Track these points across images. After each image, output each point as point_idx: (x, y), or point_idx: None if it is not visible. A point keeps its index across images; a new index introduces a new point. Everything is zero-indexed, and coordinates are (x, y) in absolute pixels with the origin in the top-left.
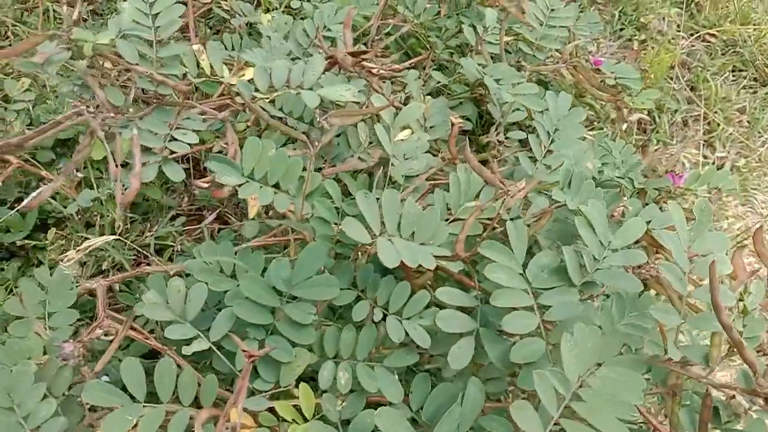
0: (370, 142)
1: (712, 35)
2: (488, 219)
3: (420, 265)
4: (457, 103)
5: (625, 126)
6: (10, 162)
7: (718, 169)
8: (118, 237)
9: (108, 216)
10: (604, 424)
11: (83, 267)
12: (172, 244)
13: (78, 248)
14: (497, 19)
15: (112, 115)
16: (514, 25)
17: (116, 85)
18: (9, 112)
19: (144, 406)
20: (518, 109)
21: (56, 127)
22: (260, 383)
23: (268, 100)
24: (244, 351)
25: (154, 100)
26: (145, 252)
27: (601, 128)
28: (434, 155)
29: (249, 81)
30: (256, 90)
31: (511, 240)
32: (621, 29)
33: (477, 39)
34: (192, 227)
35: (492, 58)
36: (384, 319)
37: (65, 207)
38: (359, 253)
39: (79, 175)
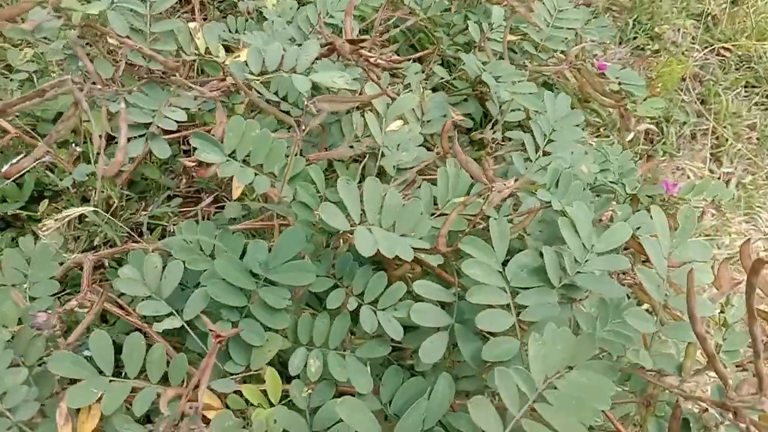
0: (365, 132)
1: (727, 49)
2: (474, 215)
3: (398, 257)
4: (460, 100)
5: (631, 135)
6: (8, 131)
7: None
8: (103, 213)
9: (104, 191)
10: (567, 428)
11: (76, 241)
12: (166, 224)
13: (56, 218)
14: (504, 17)
15: (99, 87)
16: (521, 24)
17: (106, 56)
18: (12, 82)
19: (110, 381)
20: (518, 109)
21: (41, 96)
22: (231, 365)
23: (260, 82)
24: (211, 331)
25: (145, 75)
26: (139, 230)
27: (608, 136)
28: (429, 149)
29: (244, 63)
30: (250, 72)
31: (492, 237)
32: (634, 37)
33: (481, 36)
34: (188, 209)
35: (496, 56)
36: (359, 308)
37: (62, 180)
38: (341, 240)
39: (78, 149)
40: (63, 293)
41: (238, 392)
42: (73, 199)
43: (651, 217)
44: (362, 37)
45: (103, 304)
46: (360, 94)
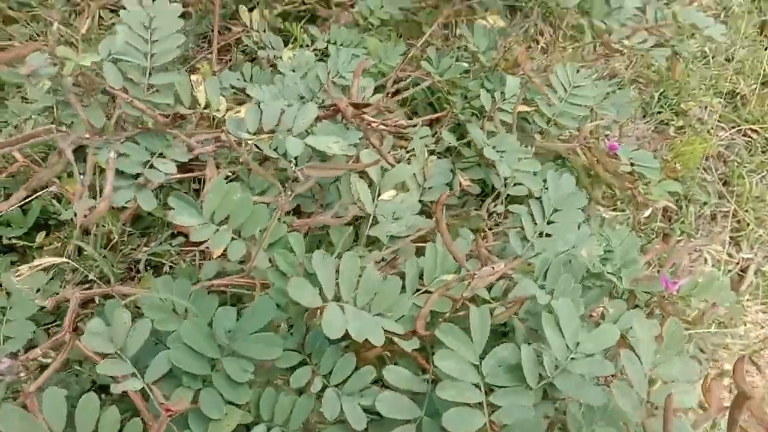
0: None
1: (754, 131)
2: (457, 299)
3: None
4: (469, 166)
5: (649, 211)
6: (16, 159)
7: (741, 272)
8: (92, 250)
9: (106, 226)
10: None
11: (74, 273)
12: (165, 262)
13: (30, 264)
14: (519, 87)
15: (88, 135)
16: (537, 96)
17: (98, 105)
18: (27, 112)
19: None
20: (521, 184)
21: (25, 141)
22: None
23: (257, 140)
24: (162, 404)
25: (139, 126)
26: (137, 267)
27: (623, 210)
28: (430, 216)
29: (241, 120)
30: (247, 130)
31: (472, 326)
32: (659, 112)
33: (492, 106)
34: (189, 248)
35: (506, 126)
36: (323, 390)
37: (66, 210)
38: (317, 312)
39: (86, 182)
40: (53, 324)
41: None
42: (74, 230)
43: (652, 314)
44: (374, 95)
45: (68, 353)
46: (357, 159)
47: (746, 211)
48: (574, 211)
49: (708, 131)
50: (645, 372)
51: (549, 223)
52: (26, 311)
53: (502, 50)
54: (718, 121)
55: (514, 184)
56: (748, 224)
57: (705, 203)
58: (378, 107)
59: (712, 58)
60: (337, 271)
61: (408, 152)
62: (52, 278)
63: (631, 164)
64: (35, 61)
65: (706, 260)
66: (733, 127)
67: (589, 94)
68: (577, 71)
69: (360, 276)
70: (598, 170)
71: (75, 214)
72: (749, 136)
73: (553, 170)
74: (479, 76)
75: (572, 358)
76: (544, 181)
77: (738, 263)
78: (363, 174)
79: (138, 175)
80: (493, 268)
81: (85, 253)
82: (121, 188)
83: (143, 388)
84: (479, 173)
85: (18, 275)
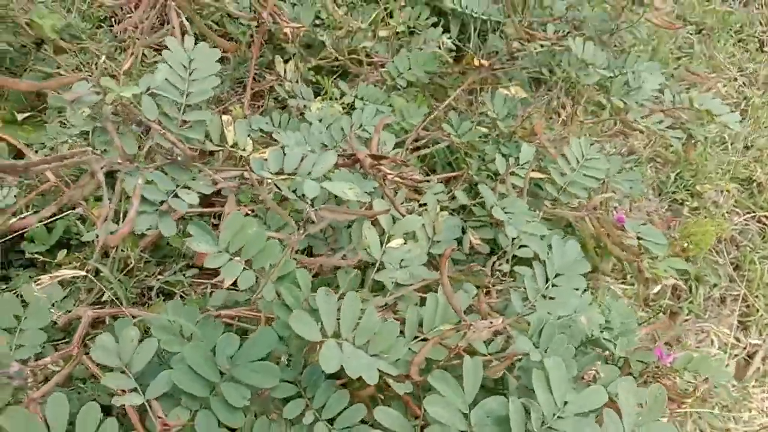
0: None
1: None
2: (453, 348)
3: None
4: (480, 225)
5: (658, 288)
6: (48, 179)
7: (748, 357)
8: (107, 272)
9: (125, 251)
10: None
11: (89, 293)
12: (177, 291)
13: (51, 274)
14: (533, 154)
15: (120, 161)
16: (551, 164)
17: (132, 135)
18: (63, 135)
19: None
20: (527, 246)
21: (61, 160)
22: None
23: (278, 180)
24: (159, 418)
25: (168, 157)
26: (149, 294)
27: (632, 284)
28: (437, 269)
29: (264, 161)
30: (268, 170)
31: (465, 375)
32: (674, 192)
33: (506, 169)
34: (201, 281)
35: (517, 190)
36: (314, 423)
37: (88, 232)
38: (317, 347)
39: (113, 206)
40: (62, 341)
41: None
42: (94, 251)
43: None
44: (394, 149)
45: (75, 366)
46: (370, 207)
47: (756, 296)
48: (577, 278)
49: (723, 215)
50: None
51: (552, 286)
52: (40, 321)
53: (520, 119)
54: (734, 205)
55: (520, 246)
56: (758, 310)
57: (715, 285)
58: (395, 160)
59: (731, 144)
60: (339, 310)
61: (421, 206)
62: (66, 296)
63: (638, 238)
64: (80, 89)
65: (712, 342)
66: (748, 213)
67: (601, 167)
68: (591, 144)
69: (361, 317)
70: (605, 240)
71: (97, 236)
72: (763, 223)
73: (560, 237)
74: (497, 142)
75: (559, 417)
76: (550, 246)
77: (745, 348)
78: (374, 222)
79: (162, 202)
80: (491, 322)
81: (101, 274)
82: (145, 213)
83: (143, 404)
84: (489, 233)
85: (38, 284)
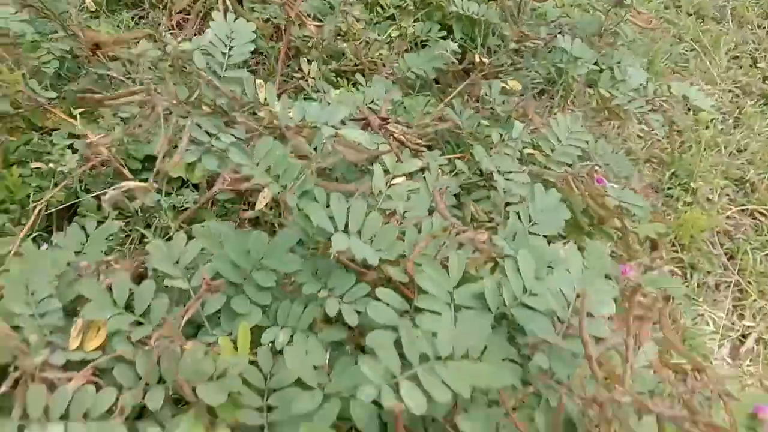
0: None
1: (762, 213)
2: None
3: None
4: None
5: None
6: (101, 153)
7: (742, 336)
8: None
9: (165, 221)
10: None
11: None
12: None
13: (114, 187)
14: (524, 131)
15: (175, 102)
16: (542, 140)
17: (184, 84)
18: (113, 118)
19: (119, 313)
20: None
21: (130, 95)
22: (218, 331)
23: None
24: (204, 278)
25: (211, 107)
26: None
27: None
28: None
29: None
30: (292, 119)
31: (450, 266)
32: (669, 188)
33: (499, 140)
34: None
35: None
36: (327, 297)
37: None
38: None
39: (155, 185)
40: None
41: None
42: (140, 223)
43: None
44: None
45: (136, 267)
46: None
47: (749, 282)
48: (558, 220)
49: (718, 211)
50: (573, 285)
51: (534, 224)
52: (99, 246)
53: (516, 104)
54: (728, 202)
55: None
56: (751, 295)
57: (709, 272)
58: (398, 121)
59: (724, 147)
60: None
61: (421, 171)
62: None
63: (620, 201)
64: (144, 45)
65: (708, 323)
66: (742, 209)
67: (583, 138)
68: (576, 120)
69: (365, 218)
70: (587, 201)
71: (142, 206)
72: (757, 218)
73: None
74: (495, 123)
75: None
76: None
77: (739, 330)
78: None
79: (207, 142)
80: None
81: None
82: (191, 150)
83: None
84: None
85: (107, 197)
